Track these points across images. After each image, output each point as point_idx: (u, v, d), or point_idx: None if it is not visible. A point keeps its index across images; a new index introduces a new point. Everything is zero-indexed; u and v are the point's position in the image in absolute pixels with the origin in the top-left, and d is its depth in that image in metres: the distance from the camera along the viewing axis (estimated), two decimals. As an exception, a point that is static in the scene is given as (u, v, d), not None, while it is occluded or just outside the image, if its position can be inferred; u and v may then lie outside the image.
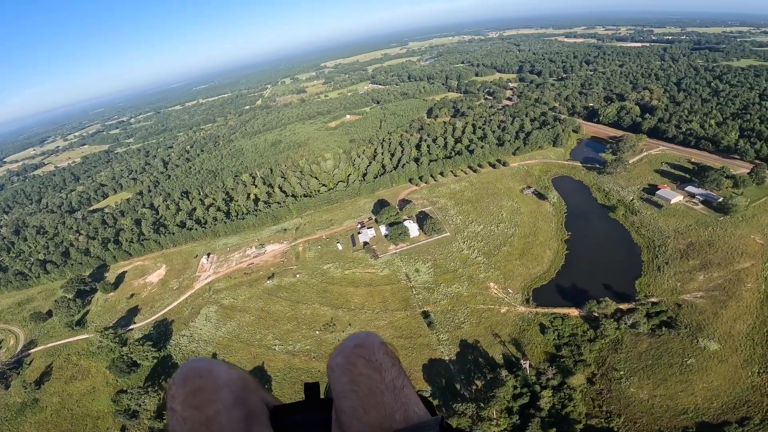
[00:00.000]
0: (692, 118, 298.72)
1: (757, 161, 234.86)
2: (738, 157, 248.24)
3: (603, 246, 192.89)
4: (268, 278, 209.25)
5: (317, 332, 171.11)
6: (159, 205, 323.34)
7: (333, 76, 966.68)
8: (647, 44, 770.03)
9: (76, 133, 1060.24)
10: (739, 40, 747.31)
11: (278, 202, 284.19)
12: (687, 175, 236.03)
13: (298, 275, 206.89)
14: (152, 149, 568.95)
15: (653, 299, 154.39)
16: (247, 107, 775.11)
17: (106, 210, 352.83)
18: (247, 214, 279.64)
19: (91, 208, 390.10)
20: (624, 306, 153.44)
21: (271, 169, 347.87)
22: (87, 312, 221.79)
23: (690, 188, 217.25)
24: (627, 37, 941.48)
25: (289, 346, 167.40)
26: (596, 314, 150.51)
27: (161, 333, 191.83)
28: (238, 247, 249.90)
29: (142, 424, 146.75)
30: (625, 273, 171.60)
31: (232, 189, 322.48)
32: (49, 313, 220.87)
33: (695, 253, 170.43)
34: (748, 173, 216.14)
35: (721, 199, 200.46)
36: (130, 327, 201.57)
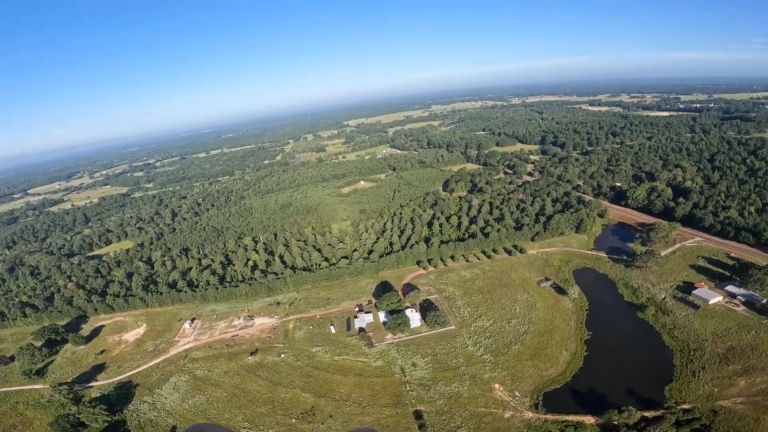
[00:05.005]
0: (730, 204, 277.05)
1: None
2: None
3: (629, 348, 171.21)
4: (251, 354, 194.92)
5: (293, 420, 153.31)
6: (156, 260, 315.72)
7: (354, 135, 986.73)
8: (675, 113, 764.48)
9: (104, 172, 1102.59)
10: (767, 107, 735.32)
11: (276, 273, 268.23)
12: (726, 272, 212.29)
13: (283, 354, 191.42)
14: (167, 198, 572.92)
15: (685, 406, 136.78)
16: (267, 162, 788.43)
17: (104, 258, 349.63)
18: (241, 281, 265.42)
19: (90, 254, 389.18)
20: (650, 414, 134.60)
21: (275, 235, 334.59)
22: (51, 362, 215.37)
23: (730, 288, 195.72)
24: (653, 105, 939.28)
25: (260, 431, 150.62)
26: (616, 423, 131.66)
27: (122, 395, 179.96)
28: (225, 316, 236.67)
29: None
30: (653, 378, 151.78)
31: (233, 252, 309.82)
32: (12, 358, 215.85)
33: (736, 358, 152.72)
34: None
35: (765, 300, 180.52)
36: (91, 384, 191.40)
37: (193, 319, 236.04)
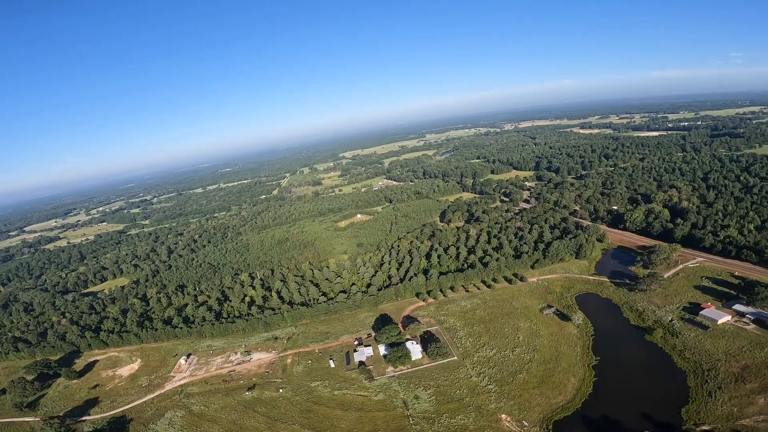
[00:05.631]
0: (728, 223, 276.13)
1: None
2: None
3: (639, 371, 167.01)
4: (248, 389, 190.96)
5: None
6: (151, 297, 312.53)
7: (350, 168, 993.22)
8: (664, 132, 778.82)
9: (100, 208, 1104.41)
10: (755, 122, 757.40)
11: (273, 309, 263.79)
12: (732, 291, 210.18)
13: (281, 390, 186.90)
14: (163, 234, 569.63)
15: (705, 427, 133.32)
16: (263, 196, 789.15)
17: (99, 295, 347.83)
18: (238, 317, 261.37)
19: (85, 291, 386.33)
20: None
21: (272, 271, 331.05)
22: (43, 395, 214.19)
23: (738, 307, 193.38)
24: (642, 125, 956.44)
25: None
26: None
27: (115, 430, 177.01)
28: (222, 351, 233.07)
29: None
30: (667, 401, 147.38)
31: (229, 288, 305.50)
32: (3, 391, 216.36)
33: (752, 376, 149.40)
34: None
35: None
36: (83, 418, 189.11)
37: (188, 355, 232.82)
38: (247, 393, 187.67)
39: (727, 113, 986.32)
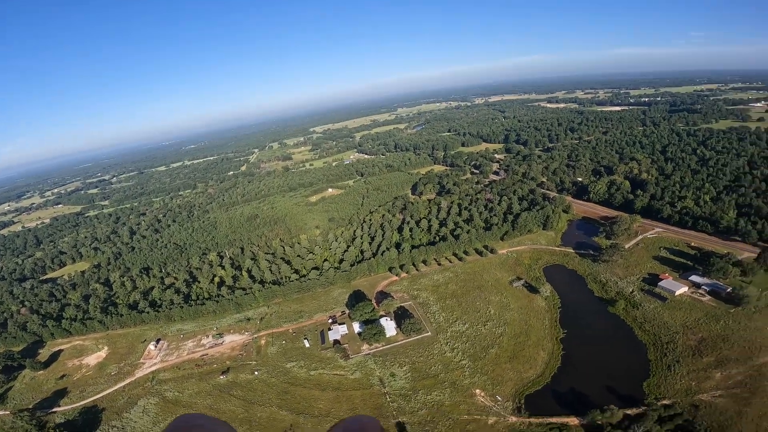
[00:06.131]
0: (685, 194, 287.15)
1: (761, 244, 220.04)
2: (740, 239, 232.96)
3: (604, 345, 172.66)
4: (222, 373, 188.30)
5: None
6: (114, 281, 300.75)
7: (320, 142, 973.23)
8: (626, 107, 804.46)
9: (55, 190, 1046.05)
10: (712, 98, 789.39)
11: (244, 288, 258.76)
12: (689, 262, 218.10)
13: (257, 372, 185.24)
14: (124, 215, 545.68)
15: (665, 401, 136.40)
16: (231, 173, 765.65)
17: (59, 281, 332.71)
18: (208, 298, 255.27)
19: (44, 277, 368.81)
20: (632, 411, 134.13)
21: (242, 249, 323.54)
22: (10, 388, 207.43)
23: (695, 278, 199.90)
24: (606, 101, 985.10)
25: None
26: (600, 423, 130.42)
27: (88, 421, 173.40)
28: (193, 335, 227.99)
29: None
30: (630, 374, 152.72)
31: (197, 269, 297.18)
32: None
33: (709, 350, 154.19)
34: (755, 259, 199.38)
35: (730, 289, 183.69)
36: (54, 410, 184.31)
37: (158, 340, 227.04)
38: (221, 377, 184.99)
39: (685, 90, 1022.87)
